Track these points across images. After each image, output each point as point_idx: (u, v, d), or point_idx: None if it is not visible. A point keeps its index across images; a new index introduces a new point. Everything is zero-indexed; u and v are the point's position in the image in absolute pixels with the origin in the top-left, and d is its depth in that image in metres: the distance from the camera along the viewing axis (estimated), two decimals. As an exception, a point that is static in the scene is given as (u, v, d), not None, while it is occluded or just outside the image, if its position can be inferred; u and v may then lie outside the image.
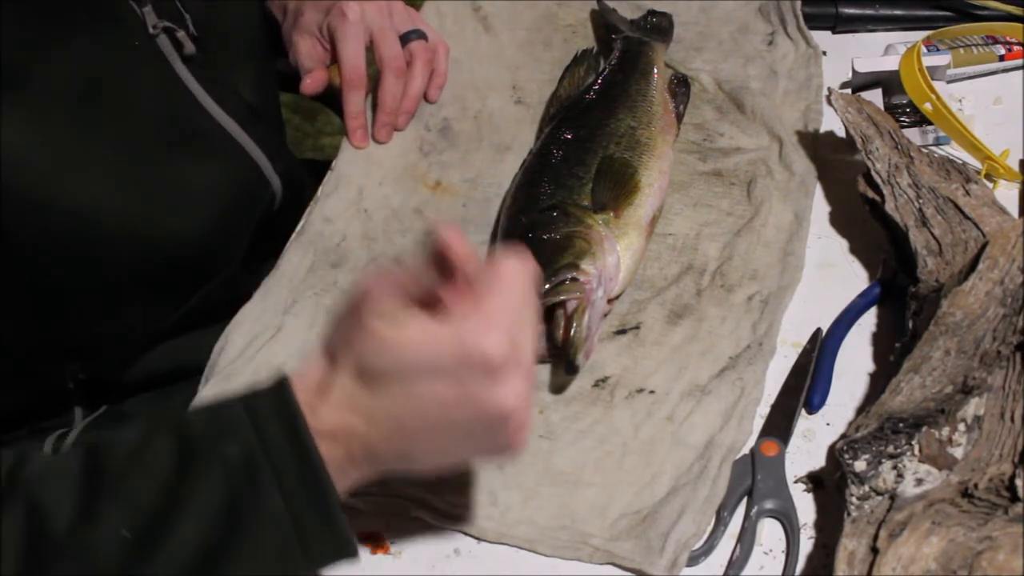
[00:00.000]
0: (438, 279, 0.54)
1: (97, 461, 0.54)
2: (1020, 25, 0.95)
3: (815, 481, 0.69)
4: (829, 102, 0.84)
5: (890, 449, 0.62)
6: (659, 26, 0.99)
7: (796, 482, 0.69)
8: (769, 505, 0.67)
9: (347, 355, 0.55)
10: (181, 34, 0.77)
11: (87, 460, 0.54)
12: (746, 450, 0.70)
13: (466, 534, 0.67)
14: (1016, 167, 0.87)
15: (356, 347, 0.54)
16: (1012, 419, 0.62)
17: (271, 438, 0.53)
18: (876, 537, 0.59)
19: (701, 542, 0.66)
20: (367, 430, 0.55)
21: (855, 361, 0.75)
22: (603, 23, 1.02)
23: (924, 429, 0.62)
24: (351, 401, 0.55)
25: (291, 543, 0.53)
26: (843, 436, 0.65)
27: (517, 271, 0.56)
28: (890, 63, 0.89)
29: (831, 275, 0.81)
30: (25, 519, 0.51)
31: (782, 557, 0.65)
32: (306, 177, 1.01)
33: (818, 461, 0.70)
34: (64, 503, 0.52)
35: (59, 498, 0.52)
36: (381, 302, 0.54)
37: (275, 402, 0.54)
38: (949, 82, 0.92)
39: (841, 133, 0.90)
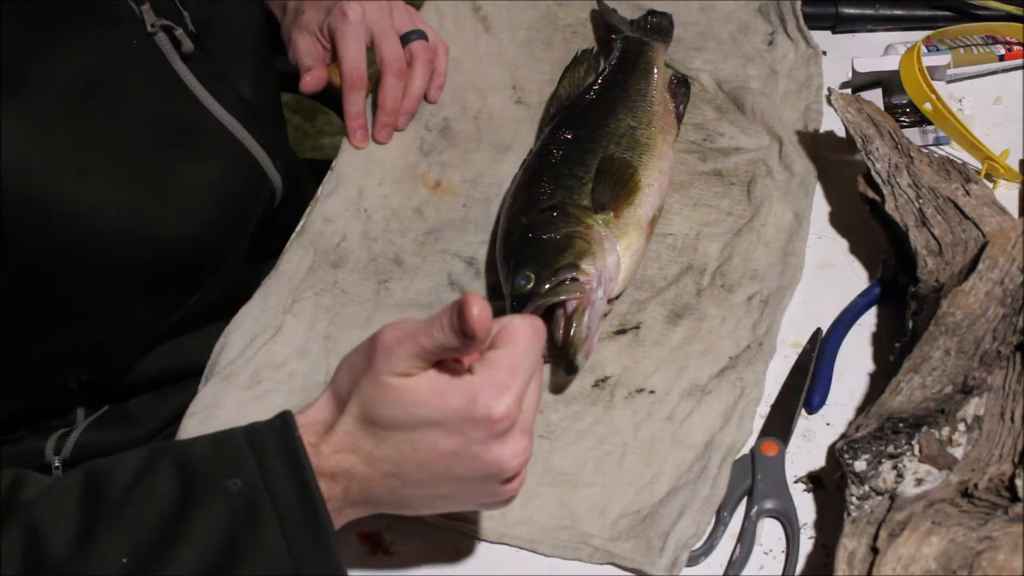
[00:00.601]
0: (453, 336, 0.54)
1: (97, 486, 0.54)
2: (1020, 25, 0.95)
3: (815, 481, 0.69)
4: (829, 102, 0.84)
5: (890, 449, 0.62)
6: (659, 26, 0.99)
7: (796, 482, 0.69)
8: (769, 505, 0.67)
9: (355, 399, 0.55)
10: (179, 32, 0.77)
11: (87, 485, 0.54)
12: (746, 450, 0.70)
13: (466, 534, 0.67)
14: (1016, 167, 0.87)
15: (364, 392, 0.55)
16: (1012, 419, 0.62)
17: (274, 474, 0.54)
18: (876, 537, 0.59)
19: (701, 542, 0.66)
20: (366, 472, 0.55)
21: (855, 361, 0.75)
22: (603, 23, 1.02)
23: (924, 429, 0.62)
24: (353, 444, 0.55)
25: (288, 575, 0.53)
26: (843, 436, 0.65)
27: (526, 330, 0.57)
28: (890, 63, 0.89)
29: (831, 275, 0.81)
30: (23, 542, 0.51)
31: (782, 557, 0.65)
32: (306, 174, 1.01)
33: (818, 461, 0.70)
34: (63, 527, 0.52)
35: (58, 522, 0.52)
36: (394, 352, 0.54)
37: (279, 438, 0.55)
38: (949, 82, 0.92)
39: (841, 133, 0.90)
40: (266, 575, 0.53)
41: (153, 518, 0.52)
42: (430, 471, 0.55)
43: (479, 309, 0.52)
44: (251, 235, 0.87)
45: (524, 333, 0.56)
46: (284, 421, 0.55)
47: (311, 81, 0.93)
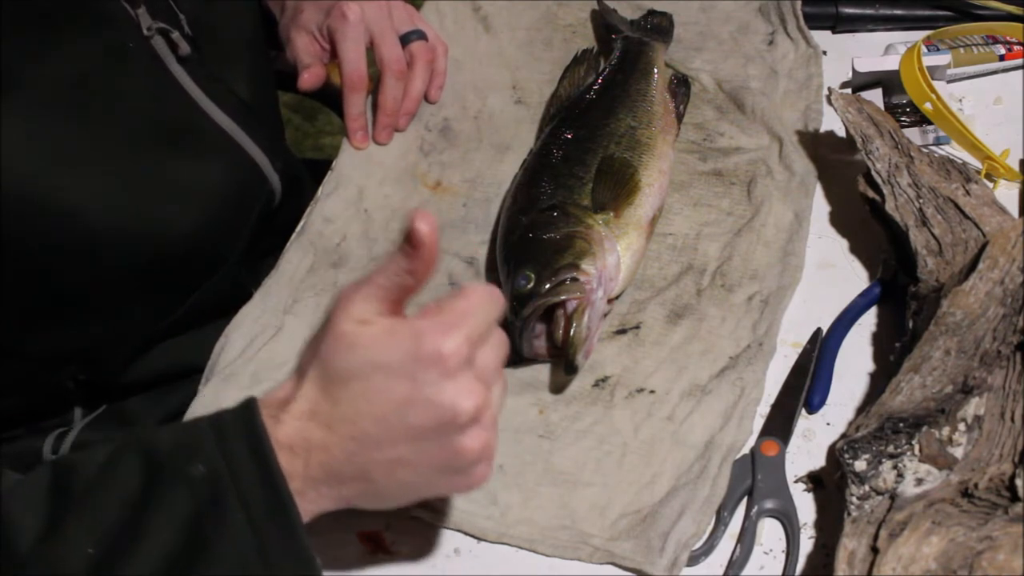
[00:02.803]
0: (403, 259, 0.55)
1: (65, 479, 0.54)
2: (1020, 25, 0.95)
3: (815, 481, 0.69)
4: (829, 102, 0.84)
5: (890, 449, 0.62)
6: (659, 26, 0.99)
7: (796, 482, 0.69)
8: (769, 505, 0.67)
9: (314, 364, 0.56)
10: (176, 35, 0.77)
11: (55, 477, 0.54)
12: (746, 450, 0.70)
13: (466, 534, 0.67)
14: (1016, 167, 0.87)
15: (322, 352, 0.55)
16: (1012, 419, 0.62)
17: (235, 458, 0.54)
18: (876, 537, 0.59)
19: (701, 542, 0.66)
20: (325, 438, 0.55)
21: (855, 361, 0.75)
22: (603, 23, 1.03)
23: (924, 429, 0.62)
24: (312, 409, 0.55)
25: (254, 561, 0.53)
26: (843, 436, 0.65)
27: (484, 293, 0.57)
28: (890, 63, 0.89)
29: (831, 275, 0.81)
30: None
31: (782, 557, 0.65)
32: (305, 174, 1.01)
33: (818, 461, 0.70)
34: (30, 519, 0.52)
35: (25, 514, 0.53)
36: (353, 305, 0.55)
37: (241, 422, 0.54)
38: (949, 82, 0.92)
39: (841, 133, 0.90)
40: (232, 559, 0.53)
41: (118, 508, 0.53)
42: (386, 425, 0.55)
43: (425, 222, 0.54)
44: (250, 235, 0.87)
45: (478, 291, 0.57)
46: (247, 407, 0.55)
47: (309, 79, 0.93)
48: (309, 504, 0.56)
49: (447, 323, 0.54)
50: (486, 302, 0.57)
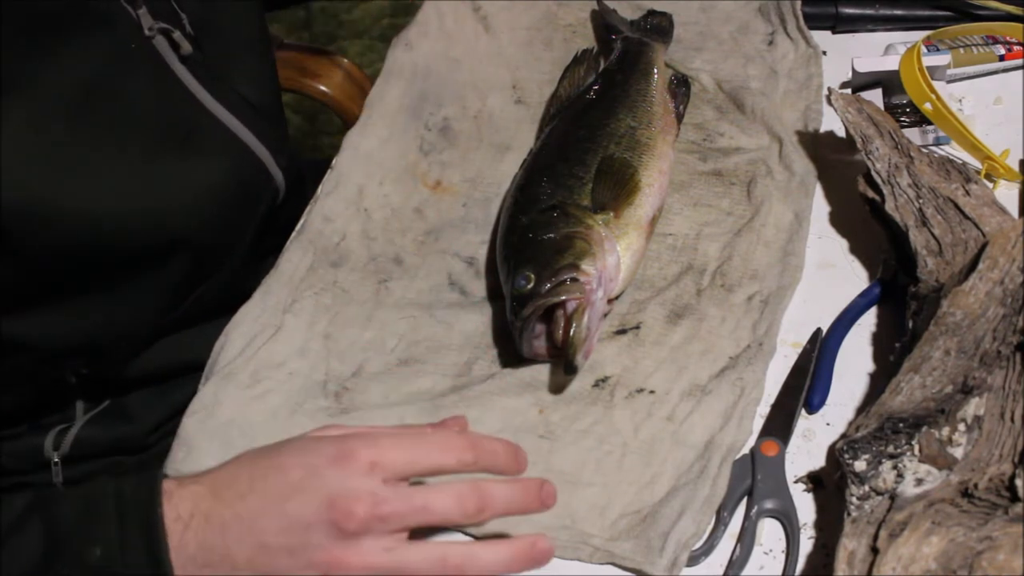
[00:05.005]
0: None
1: None
2: (1020, 25, 0.95)
3: (815, 481, 0.69)
4: (829, 102, 0.84)
5: (890, 449, 0.62)
6: (659, 26, 0.99)
7: (796, 482, 0.69)
8: (769, 505, 0.67)
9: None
10: (177, 35, 0.77)
11: None
12: (746, 450, 0.70)
13: (466, 534, 0.67)
14: (1016, 167, 0.87)
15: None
16: (1012, 419, 0.62)
17: (132, 550, 0.53)
18: (876, 537, 0.59)
19: (701, 542, 0.66)
20: (210, 507, 0.55)
21: (855, 361, 0.75)
22: (603, 23, 1.02)
23: (924, 429, 0.62)
24: (215, 476, 0.56)
25: None
26: (843, 436, 0.65)
27: (443, 438, 0.57)
28: (890, 63, 0.89)
29: (831, 275, 0.81)
30: None
31: (782, 557, 0.65)
32: (306, 173, 1.01)
33: (818, 461, 0.70)
34: None
35: None
36: None
37: (142, 512, 0.54)
38: (949, 82, 0.92)
39: (841, 133, 0.90)
40: None
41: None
42: (265, 503, 0.54)
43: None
44: (254, 231, 0.87)
45: (442, 432, 0.58)
46: (151, 492, 0.55)
47: None
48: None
49: (381, 435, 0.55)
50: (440, 446, 0.56)
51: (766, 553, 0.66)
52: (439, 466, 0.55)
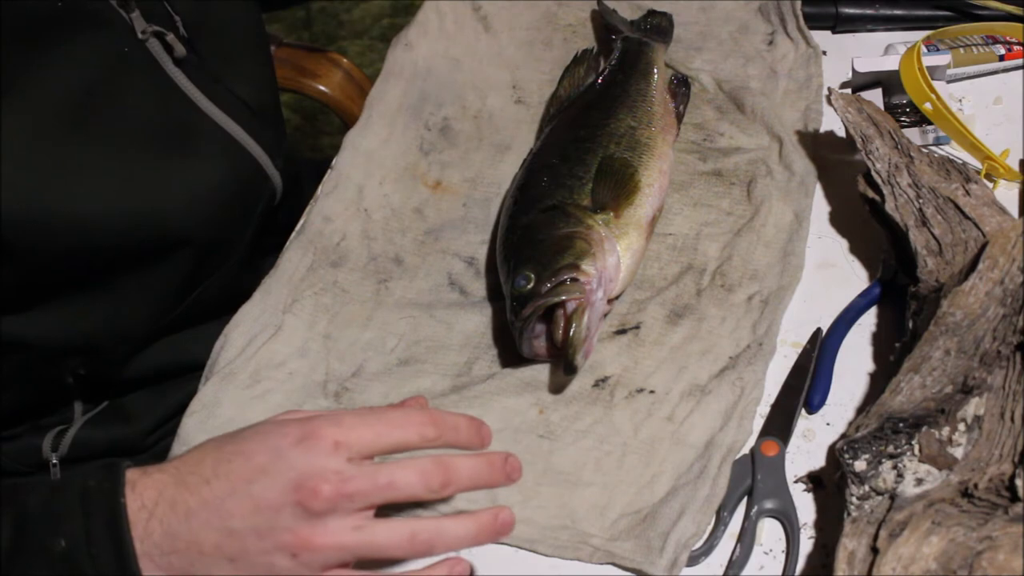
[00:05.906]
0: None
1: None
2: (1020, 25, 0.95)
3: (815, 481, 0.69)
4: (829, 102, 0.84)
5: (890, 449, 0.62)
6: (659, 26, 0.99)
7: (796, 482, 0.69)
8: (769, 505, 0.67)
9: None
10: (171, 37, 0.77)
11: None
12: (746, 450, 0.70)
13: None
14: (1016, 167, 0.87)
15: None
16: (1012, 419, 0.62)
17: (97, 541, 0.53)
18: (876, 537, 0.59)
19: (701, 542, 0.66)
20: (175, 495, 0.54)
21: (855, 361, 0.75)
22: (603, 23, 1.02)
23: (924, 429, 0.62)
24: (181, 461, 0.56)
25: None
26: (843, 436, 0.65)
27: (404, 415, 0.57)
28: (890, 63, 0.89)
29: (831, 275, 0.81)
30: None
31: (782, 557, 0.65)
32: (305, 173, 1.01)
33: (818, 461, 0.70)
34: None
35: None
36: None
37: (106, 504, 0.54)
38: (949, 82, 0.92)
39: (841, 133, 0.90)
40: None
41: None
42: (230, 487, 0.54)
43: None
44: (252, 232, 0.87)
45: (406, 410, 0.57)
46: (114, 482, 0.55)
47: None
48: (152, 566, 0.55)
49: (344, 415, 0.54)
50: (402, 422, 0.56)
51: (766, 553, 0.66)
52: (402, 442, 0.56)
